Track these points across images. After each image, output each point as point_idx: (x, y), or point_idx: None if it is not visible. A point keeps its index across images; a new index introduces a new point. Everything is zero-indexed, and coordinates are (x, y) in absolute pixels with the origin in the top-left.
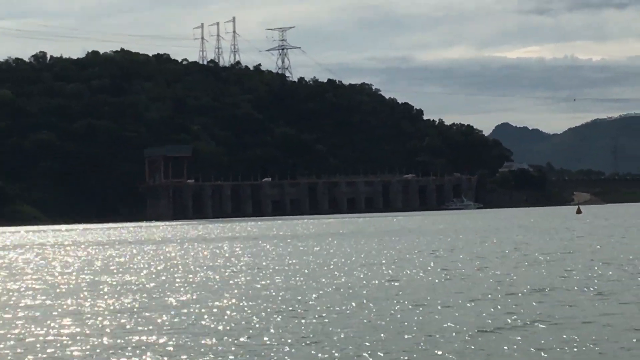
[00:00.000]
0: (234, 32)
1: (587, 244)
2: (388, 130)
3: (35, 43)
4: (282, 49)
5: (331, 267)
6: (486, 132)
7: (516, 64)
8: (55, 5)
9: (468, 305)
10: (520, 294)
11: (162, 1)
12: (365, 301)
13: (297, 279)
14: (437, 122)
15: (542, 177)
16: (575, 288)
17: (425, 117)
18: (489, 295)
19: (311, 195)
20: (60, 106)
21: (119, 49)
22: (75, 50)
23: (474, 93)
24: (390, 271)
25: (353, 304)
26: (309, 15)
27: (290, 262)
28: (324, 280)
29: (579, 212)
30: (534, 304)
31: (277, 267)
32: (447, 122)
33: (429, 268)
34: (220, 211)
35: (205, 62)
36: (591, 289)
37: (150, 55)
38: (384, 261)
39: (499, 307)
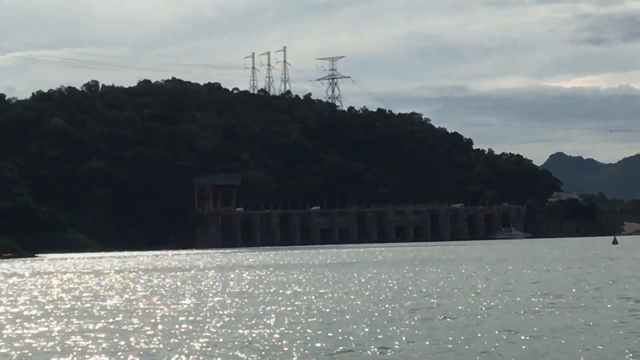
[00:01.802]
0: (285, 61)
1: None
2: (437, 159)
3: (89, 72)
4: (333, 79)
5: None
6: (540, 162)
7: (571, 94)
8: (110, 35)
9: None
10: None
11: (214, 31)
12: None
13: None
14: (486, 152)
15: (592, 207)
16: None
17: (477, 147)
18: None
19: (360, 224)
20: (112, 134)
21: (170, 78)
22: (128, 79)
23: (528, 123)
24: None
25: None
26: (361, 44)
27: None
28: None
29: (615, 242)
30: None
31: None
32: (502, 152)
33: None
34: (268, 239)
35: (255, 91)
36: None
37: (202, 84)
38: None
39: None
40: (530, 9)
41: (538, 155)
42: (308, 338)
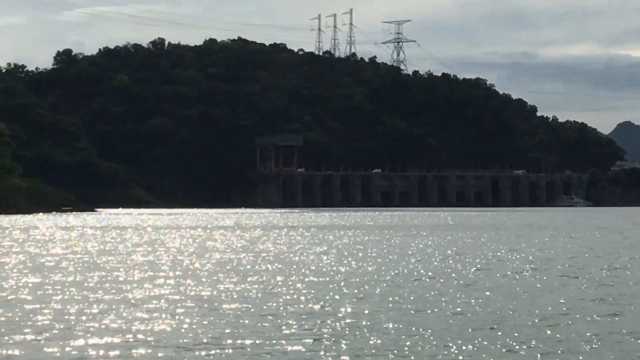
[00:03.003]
0: (351, 23)
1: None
2: (500, 125)
3: (157, 30)
4: (398, 42)
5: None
6: (607, 130)
7: None
8: None
9: None
10: None
11: None
12: None
13: None
14: (550, 119)
15: None
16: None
17: (541, 114)
18: None
19: (420, 188)
20: (176, 93)
21: (236, 38)
22: (194, 38)
23: (596, 91)
24: None
25: None
26: (429, 9)
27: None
28: None
29: None
30: None
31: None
32: (568, 119)
33: None
34: (329, 201)
35: (321, 53)
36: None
37: (267, 44)
38: None
39: None
40: None
41: (605, 124)
42: None
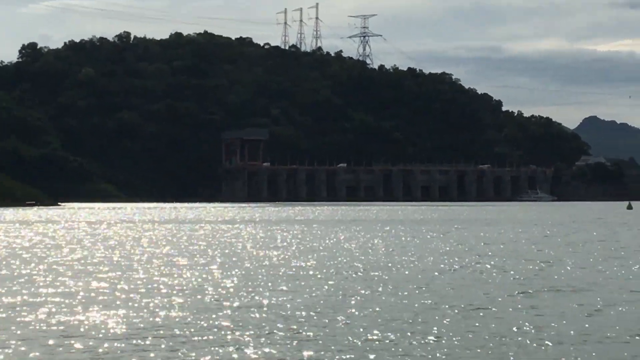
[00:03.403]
0: (317, 18)
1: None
2: (466, 120)
3: (125, 24)
4: (364, 36)
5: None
6: (573, 125)
7: (607, 57)
8: None
9: None
10: None
11: None
12: None
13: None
14: (516, 114)
15: (619, 171)
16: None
17: (507, 108)
18: None
19: (386, 183)
20: (142, 86)
21: (202, 31)
22: (161, 32)
23: (563, 86)
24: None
25: None
26: (396, 3)
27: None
28: None
29: (629, 207)
30: None
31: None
32: (535, 114)
33: None
34: (294, 195)
35: (287, 47)
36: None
37: (233, 38)
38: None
39: None
40: None
41: (571, 119)
42: None
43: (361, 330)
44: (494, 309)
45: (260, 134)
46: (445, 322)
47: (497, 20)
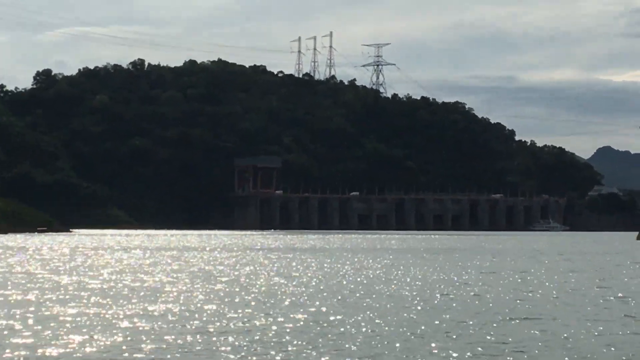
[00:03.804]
0: (331, 46)
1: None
2: (478, 149)
3: (141, 50)
4: (378, 65)
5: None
6: (587, 155)
7: (622, 88)
8: (163, 14)
9: None
10: None
11: (266, 13)
12: None
13: None
14: (529, 143)
15: (631, 201)
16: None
17: (523, 139)
18: None
19: (398, 211)
20: (156, 113)
21: (216, 59)
22: (176, 59)
23: (577, 115)
24: None
25: None
26: (410, 32)
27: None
28: None
29: (639, 238)
30: None
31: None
32: (549, 144)
33: None
34: (306, 223)
35: (300, 75)
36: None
37: (247, 66)
38: None
39: None
40: (583, 1)
41: (586, 149)
42: None
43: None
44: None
45: (273, 162)
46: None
47: (511, 49)
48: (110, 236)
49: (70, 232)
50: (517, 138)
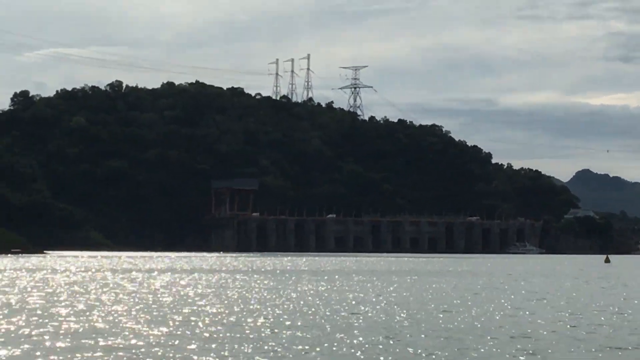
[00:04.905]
0: (308, 69)
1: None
2: (455, 172)
3: (119, 72)
4: (355, 87)
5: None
6: (566, 178)
7: (600, 111)
8: (142, 36)
9: None
10: None
11: (246, 36)
12: None
13: None
14: (505, 166)
15: (607, 225)
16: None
17: (500, 162)
18: None
19: (374, 234)
20: (133, 135)
21: (194, 81)
22: (155, 81)
23: (556, 138)
24: None
25: None
26: (389, 55)
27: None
28: None
29: (607, 261)
30: None
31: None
32: (528, 167)
33: None
34: (283, 245)
35: (278, 97)
36: None
37: (225, 88)
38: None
39: None
40: (562, 24)
41: (564, 172)
42: None
43: None
44: None
45: (250, 184)
46: None
47: (490, 72)
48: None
49: (44, 253)
50: (494, 161)
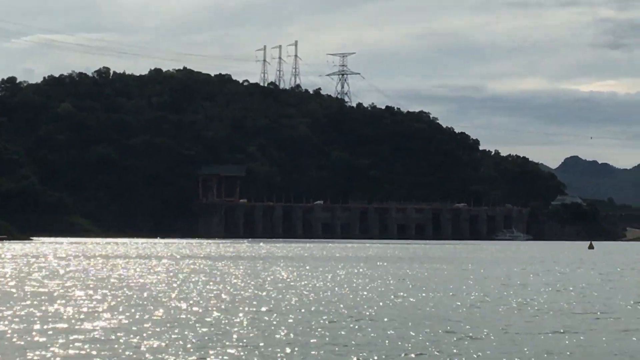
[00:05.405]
0: (296, 55)
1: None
2: (443, 158)
3: (108, 58)
4: (342, 74)
5: None
6: (555, 165)
7: (589, 98)
8: (129, 22)
9: None
10: None
11: (234, 22)
12: None
13: None
14: (492, 153)
15: (594, 211)
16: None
17: (488, 148)
18: None
19: (362, 220)
20: (120, 121)
21: (182, 68)
22: (142, 67)
23: (545, 125)
24: None
25: None
26: (378, 41)
27: None
28: None
29: (591, 247)
30: None
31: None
32: (512, 154)
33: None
34: (270, 232)
35: (265, 84)
36: None
37: (212, 75)
38: None
39: None
40: (551, 11)
41: (553, 159)
42: None
43: None
44: None
45: (237, 171)
46: None
47: (479, 59)
48: (77, 245)
49: (30, 240)
50: (482, 147)
